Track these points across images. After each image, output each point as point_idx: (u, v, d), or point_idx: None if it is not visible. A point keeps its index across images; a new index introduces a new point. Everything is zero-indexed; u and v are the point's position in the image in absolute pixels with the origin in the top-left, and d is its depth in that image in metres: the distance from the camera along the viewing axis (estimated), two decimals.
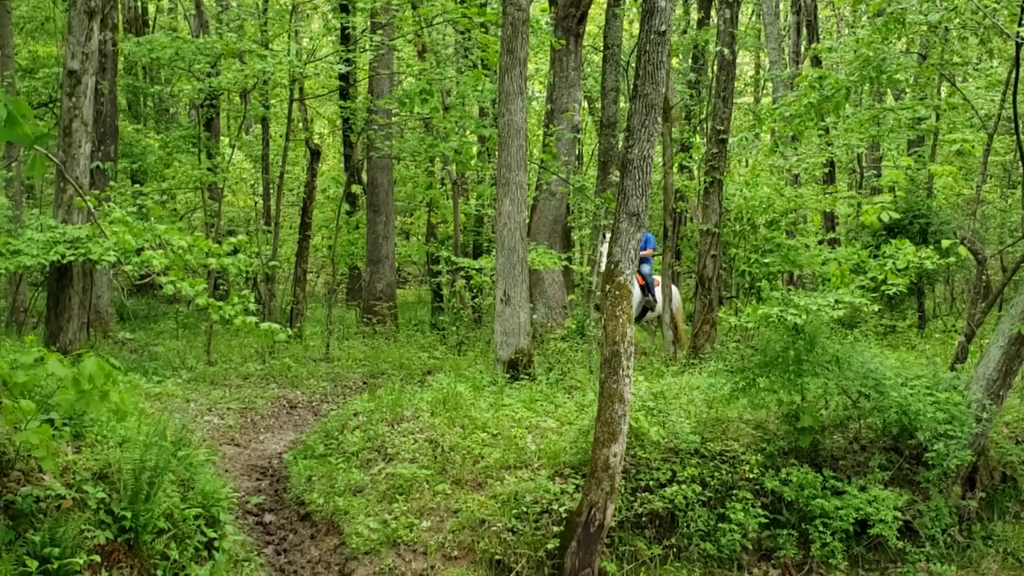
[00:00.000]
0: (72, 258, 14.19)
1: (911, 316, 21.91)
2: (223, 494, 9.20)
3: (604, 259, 11.39)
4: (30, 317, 20.03)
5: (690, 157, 20.95)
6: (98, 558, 7.50)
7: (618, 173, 11.92)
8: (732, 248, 18.54)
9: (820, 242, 19.72)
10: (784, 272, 19.90)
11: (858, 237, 21.90)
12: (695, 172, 20.79)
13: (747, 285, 19.50)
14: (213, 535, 8.81)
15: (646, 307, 19.88)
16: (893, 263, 12.78)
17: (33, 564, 7.02)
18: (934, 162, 23.44)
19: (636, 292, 18.51)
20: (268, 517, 11.14)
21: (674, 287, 20.43)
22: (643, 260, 19.05)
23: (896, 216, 13.48)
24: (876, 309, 12.53)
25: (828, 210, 21.60)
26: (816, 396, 11.45)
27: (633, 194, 9.34)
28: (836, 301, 11.36)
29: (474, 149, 25.79)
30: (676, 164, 19.82)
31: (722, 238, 17.43)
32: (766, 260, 16.95)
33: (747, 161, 27.94)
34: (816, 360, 10.84)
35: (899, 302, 21.34)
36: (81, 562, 7.30)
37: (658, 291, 19.90)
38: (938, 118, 21.99)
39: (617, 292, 9.31)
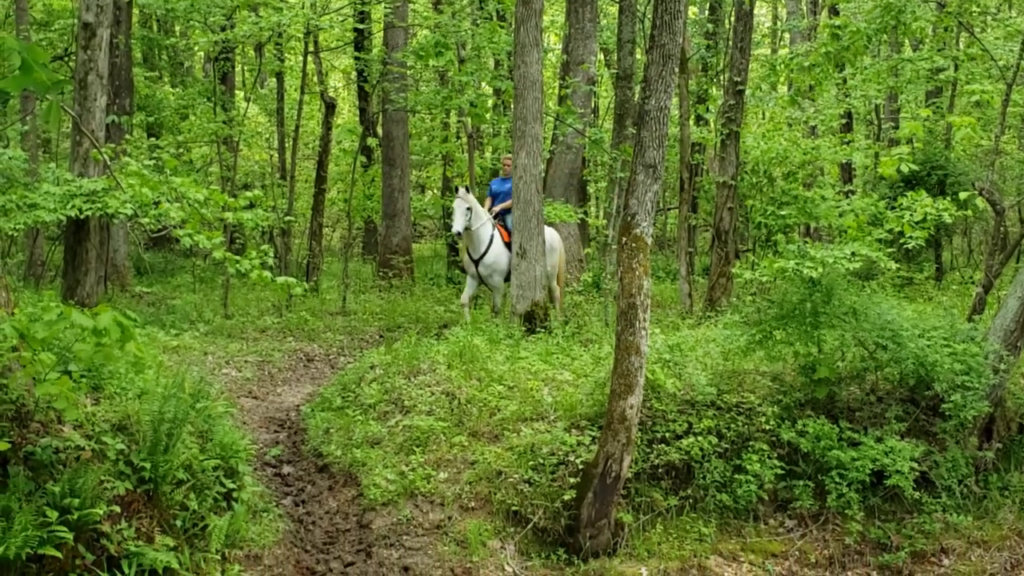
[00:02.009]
0: (89, 212, 14.21)
1: (928, 268, 21.81)
2: (241, 446, 9.24)
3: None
4: (47, 271, 20.09)
5: (707, 109, 20.86)
6: (118, 508, 7.55)
7: (634, 126, 11.86)
8: (749, 200, 18.45)
9: (837, 194, 19.61)
10: (801, 224, 19.83)
11: (875, 189, 21.79)
12: (712, 124, 20.67)
13: (763, 238, 19.40)
14: (232, 486, 8.86)
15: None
16: (911, 215, 12.71)
17: (53, 514, 7.06)
18: (952, 113, 23.26)
19: (501, 249, 17.24)
20: (286, 468, 11.21)
21: (551, 232, 18.44)
22: (507, 212, 17.42)
23: (914, 168, 13.38)
24: (894, 266, 12.46)
25: (845, 160, 21.45)
26: (833, 348, 11.44)
27: (650, 145, 9.30)
28: (852, 254, 11.32)
29: (489, 102, 25.67)
30: (693, 116, 19.65)
31: (739, 190, 17.36)
32: (783, 212, 16.87)
33: (764, 113, 27.79)
34: (833, 312, 10.81)
35: (916, 254, 21.23)
36: (101, 512, 7.34)
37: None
38: (956, 69, 21.81)
39: (634, 244, 9.29)
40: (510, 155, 17.15)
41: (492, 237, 17.25)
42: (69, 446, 7.64)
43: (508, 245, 17.04)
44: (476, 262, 17.18)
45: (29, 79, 4.95)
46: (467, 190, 17.18)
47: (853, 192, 23.42)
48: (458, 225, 16.76)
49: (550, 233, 18.08)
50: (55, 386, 6.80)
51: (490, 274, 17.25)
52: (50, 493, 7.22)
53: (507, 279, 17.09)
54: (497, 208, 17.95)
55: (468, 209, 16.78)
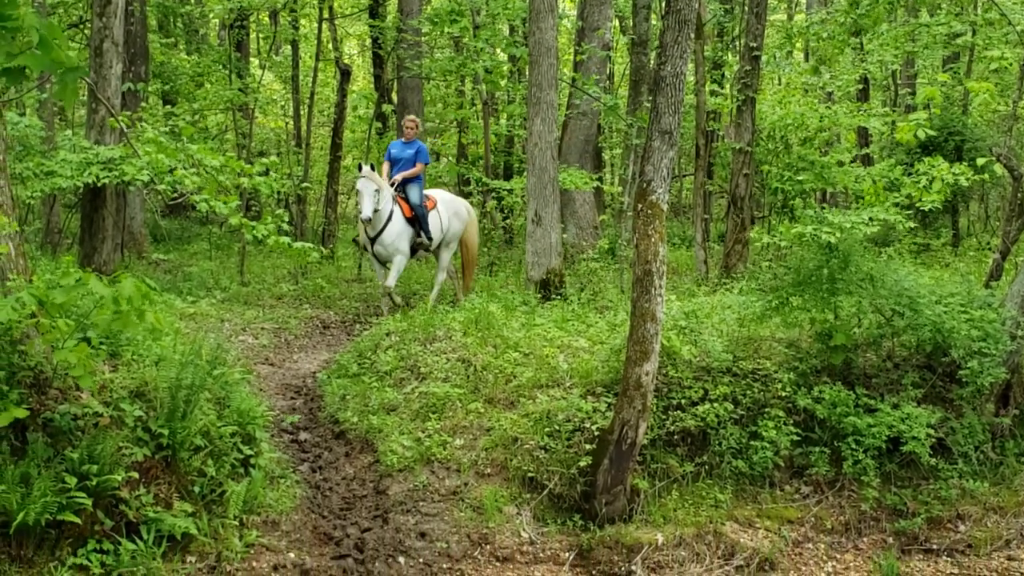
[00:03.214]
0: (107, 179, 14.23)
1: (945, 234, 21.74)
2: (258, 412, 9.28)
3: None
4: (64, 239, 20.13)
5: (722, 75, 20.76)
6: (136, 475, 7.60)
7: (650, 92, 11.81)
8: (765, 166, 18.38)
9: (854, 160, 19.53)
10: (817, 190, 19.76)
11: (892, 155, 21.69)
12: (727, 91, 20.56)
13: (780, 204, 19.31)
14: (249, 452, 8.91)
15: (417, 245, 16.53)
16: (928, 181, 12.66)
17: (72, 480, 7.12)
18: (970, 79, 23.11)
19: (402, 227, 15.97)
20: (303, 435, 11.26)
21: (461, 202, 17.80)
22: (409, 182, 16.34)
23: (931, 133, 13.35)
24: (910, 227, 12.43)
25: (862, 126, 21.34)
26: (849, 314, 11.41)
27: (665, 112, 9.27)
28: (870, 219, 11.28)
29: (504, 68, 25.56)
30: (708, 83, 19.52)
31: (755, 156, 17.29)
32: (800, 177, 16.82)
33: (780, 79, 27.64)
34: (850, 278, 10.79)
35: (933, 220, 21.18)
36: (119, 479, 7.39)
37: (435, 216, 16.61)
38: (974, 34, 21.66)
39: (650, 211, 9.27)
40: (412, 118, 16.94)
41: (392, 214, 15.78)
42: (87, 413, 7.69)
43: (410, 221, 16.06)
44: (372, 240, 15.79)
45: (47, 58, 4.91)
46: (372, 168, 15.66)
47: (870, 158, 23.33)
48: (367, 210, 15.28)
49: (460, 203, 17.59)
50: (73, 353, 6.83)
51: (389, 254, 15.92)
52: (69, 459, 7.28)
53: (413, 254, 16.60)
54: (398, 177, 16.22)
55: (376, 191, 15.38)
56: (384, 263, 16.14)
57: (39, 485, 6.98)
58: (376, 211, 15.41)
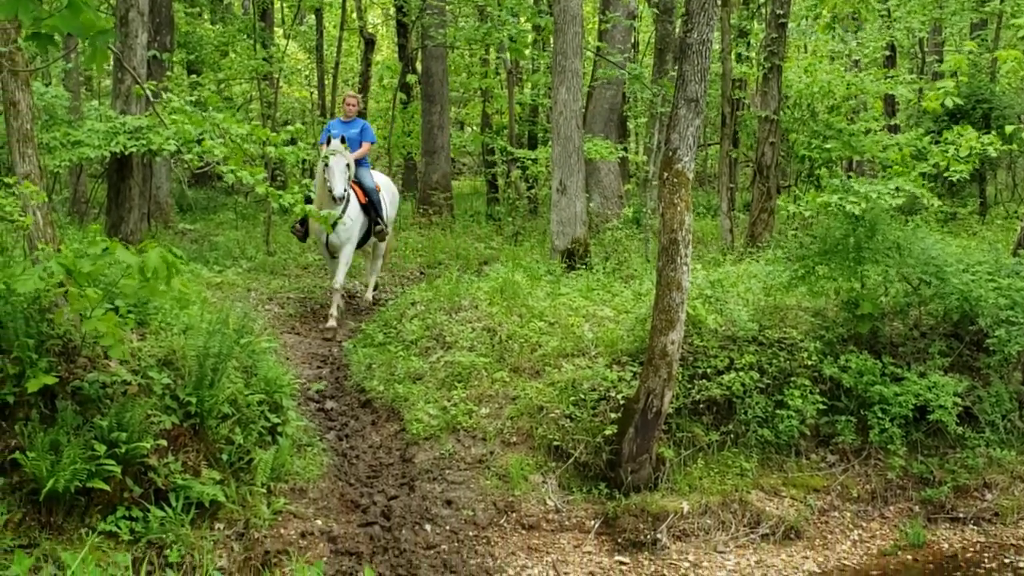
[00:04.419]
0: (134, 149, 14.26)
1: (972, 203, 21.60)
2: (285, 381, 9.33)
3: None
4: (91, 208, 20.20)
5: (748, 43, 20.62)
6: (164, 442, 7.65)
7: (676, 60, 11.75)
8: (792, 134, 18.28)
9: (881, 128, 19.40)
10: (844, 159, 19.64)
11: (920, 123, 21.55)
12: (753, 59, 20.43)
13: (806, 172, 19.20)
14: (276, 420, 8.96)
15: (369, 233, 14.78)
16: (955, 150, 12.57)
17: (101, 448, 7.17)
18: (998, 46, 22.92)
19: (357, 213, 14.15)
20: (329, 404, 11.30)
21: (392, 183, 16.45)
22: (359, 164, 14.73)
23: (959, 101, 13.25)
24: (937, 203, 12.35)
25: (889, 94, 21.19)
26: (876, 283, 11.38)
27: (692, 79, 9.23)
28: (897, 189, 11.23)
29: (529, 37, 25.48)
30: (734, 51, 19.39)
31: (781, 125, 17.20)
32: (828, 146, 16.72)
33: (807, 47, 27.46)
34: (876, 247, 10.75)
35: (960, 188, 21.04)
36: (148, 446, 7.45)
37: (382, 201, 14.99)
38: (1002, 0, 21.45)
39: (675, 179, 9.24)
40: (352, 94, 15.69)
41: (348, 199, 13.99)
42: (116, 381, 7.74)
43: (364, 207, 14.37)
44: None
45: (76, 21, 4.88)
46: (342, 140, 13.81)
47: (897, 127, 23.17)
48: (339, 188, 13.48)
49: (392, 184, 16.35)
50: (102, 322, 6.87)
51: (342, 242, 14.04)
52: (98, 427, 7.33)
53: (360, 245, 14.71)
54: (351, 157, 14.11)
55: (348, 166, 13.78)
56: (334, 255, 14.28)
57: (68, 453, 7.04)
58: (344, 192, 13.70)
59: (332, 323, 13.76)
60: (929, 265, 10.73)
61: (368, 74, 23.23)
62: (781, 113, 16.99)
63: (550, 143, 15.94)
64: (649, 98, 20.38)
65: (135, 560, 6.85)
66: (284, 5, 33.23)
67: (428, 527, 8.77)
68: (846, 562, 9.33)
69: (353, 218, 14.07)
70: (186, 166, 22.76)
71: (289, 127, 11.65)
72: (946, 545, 9.74)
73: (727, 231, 17.74)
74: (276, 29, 31.53)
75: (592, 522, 9.34)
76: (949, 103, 12.74)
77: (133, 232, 15.40)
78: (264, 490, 8.36)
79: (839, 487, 10.09)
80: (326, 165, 13.52)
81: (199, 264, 15.60)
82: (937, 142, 13.10)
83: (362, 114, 16.44)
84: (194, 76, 26.52)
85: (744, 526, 9.51)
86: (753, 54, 20.28)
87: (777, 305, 11.54)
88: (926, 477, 10.24)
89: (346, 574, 7.84)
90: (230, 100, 27.50)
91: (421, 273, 17.86)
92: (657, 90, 18.63)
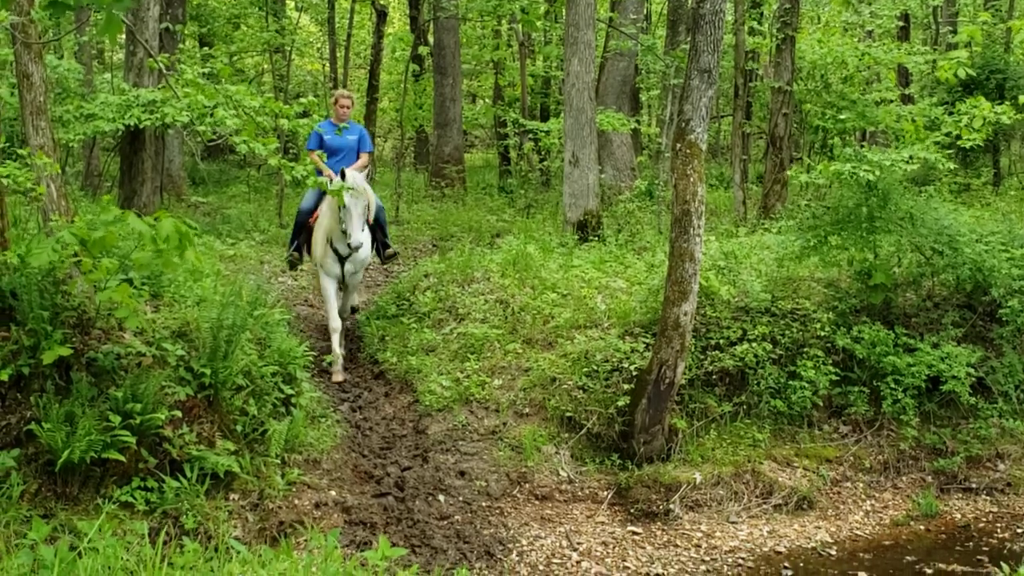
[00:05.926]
0: (148, 122, 14.28)
1: (986, 173, 21.51)
2: (299, 352, 9.35)
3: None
4: (104, 182, 20.23)
5: (761, 14, 20.53)
6: (179, 413, 7.68)
7: (688, 32, 11.70)
8: (806, 105, 18.21)
9: (894, 100, 19.33)
10: (858, 130, 19.57)
11: (933, 94, 21.45)
12: (766, 29, 20.35)
13: (819, 144, 19.14)
14: (290, 392, 8.99)
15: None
16: (969, 120, 12.53)
17: (116, 419, 7.20)
18: (1012, 17, 22.77)
19: (367, 236, 11.50)
20: (342, 376, 11.33)
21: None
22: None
23: (972, 72, 13.17)
24: (951, 167, 12.30)
25: (902, 64, 21.09)
26: (889, 253, 11.36)
27: (704, 50, 9.20)
28: (910, 157, 11.19)
29: (541, 8, 25.38)
30: (747, 21, 19.31)
31: (794, 96, 17.15)
32: (842, 116, 16.67)
33: (820, 18, 27.32)
34: (889, 217, 10.73)
35: (974, 159, 20.95)
36: (163, 417, 7.48)
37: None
38: None
39: (688, 151, 9.23)
40: (347, 94, 12.86)
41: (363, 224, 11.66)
42: (130, 352, 7.77)
43: (371, 227, 11.81)
44: (344, 259, 11.64)
45: None
46: (367, 173, 12.04)
47: (911, 97, 23.06)
48: (358, 235, 11.29)
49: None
50: (116, 292, 6.89)
51: (356, 270, 11.90)
52: (113, 398, 7.36)
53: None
54: (372, 195, 11.73)
55: (367, 206, 11.44)
56: (343, 283, 11.98)
57: (84, 424, 7.07)
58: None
59: (341, 376, 11.51)
60: (942, 235, 10.70)
61: (380, 46, 23.09)
62: (794, 84, 16.93)
63: (562, 115, 15.90)
64: (662, 69, 20.33)
65: (151, 530, 6.89)
66: None
67: (441, 498, 8.80)
68: (858, 532, 9.35)
69: (365, 241, 11.59)
70: (199, 139, 22.76)
71: (302, 99, 11.62)
72: (958, 515, 9.75)
73: (740, 202, 17.70)
74: (288, 1, 31.47)
75: (605, 493, 9.37)
76: (962, 73, 12.67)
77: (146, 205, 15.45)
78: (278, 461, 8.40)
79: (851, 458, 10.09)
80: (342, 206, 11.07)
81: (212, 236, 15.64)
82: (951, 113, 13.06)
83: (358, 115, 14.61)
84: (206, 48, 26.50)
85: (756, 496, 9.53)
86: (766, 25, 20.18)
87: (790, 276, 11.53)
88: (939, 448, 10.24)
89: (360, 544, 7.88)
90: (242, 72, 27.45)
91: (434, 245, 17.86)
92: (670, 61, 18.57)
